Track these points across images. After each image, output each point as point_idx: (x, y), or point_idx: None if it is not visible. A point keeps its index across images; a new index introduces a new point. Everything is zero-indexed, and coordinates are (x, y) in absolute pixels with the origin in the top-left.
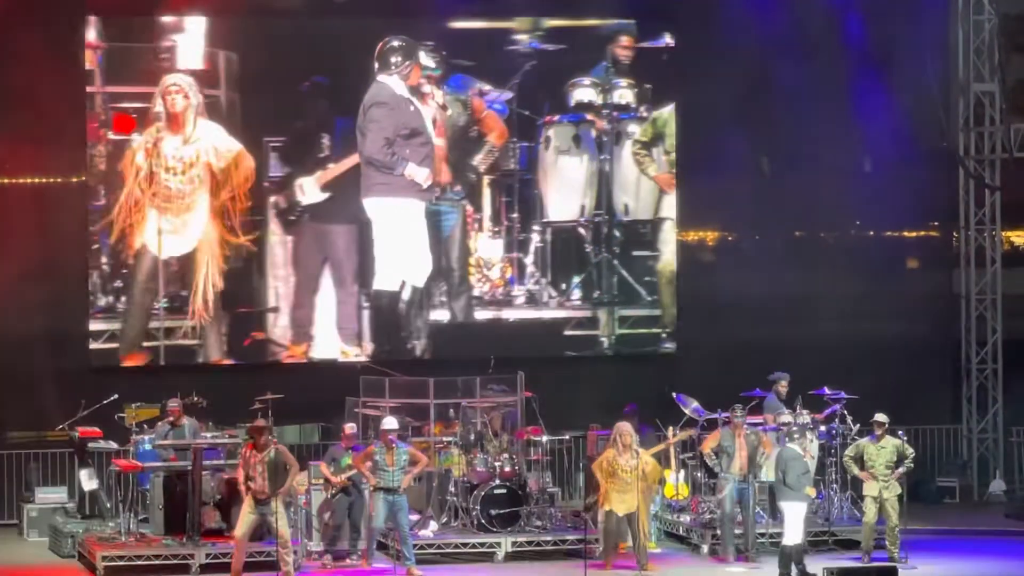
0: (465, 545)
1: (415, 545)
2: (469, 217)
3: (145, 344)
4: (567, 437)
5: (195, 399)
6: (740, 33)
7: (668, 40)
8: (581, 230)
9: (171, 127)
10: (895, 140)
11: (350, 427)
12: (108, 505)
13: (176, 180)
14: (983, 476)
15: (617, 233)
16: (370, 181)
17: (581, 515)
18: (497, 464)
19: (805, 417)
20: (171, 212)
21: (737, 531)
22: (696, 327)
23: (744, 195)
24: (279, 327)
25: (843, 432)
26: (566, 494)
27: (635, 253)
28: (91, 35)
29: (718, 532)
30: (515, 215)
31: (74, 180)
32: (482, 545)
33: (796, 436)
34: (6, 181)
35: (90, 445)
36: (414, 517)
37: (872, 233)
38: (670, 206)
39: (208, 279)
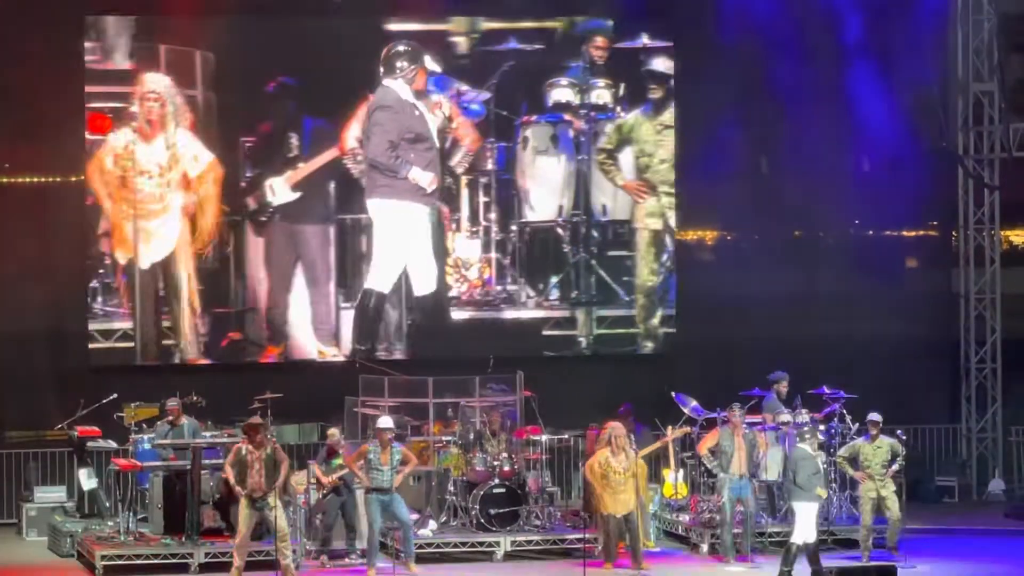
0: (464, 544)
1: (414, 545)
2: (446, 218)
3: (121, 345)
4: (566, 436)
5: (194, 398)
6: (739, 32)
7: (645, 40)
8: (559, 230)
9: (146, 133)
10: (894, 140)
11: (332, 434)
12: (107, 504)
13: (151, 184)
14: (982, 475)
15: (595, 233)
16: (374, 184)
17: (580, 514)
18: (496, 463)
19: (804, 416)
20: (145, 216)
21: (736, 531)
22: (695, 326)
23: (743, 195)
24: (255, 327)
25: (842, 431)
26: (565, 493)
27: (612, 253)
28: (90, 34)
29: (717, 532)
30: (493, 215)
31: (73, 179)
32: (481, 544)
33: (807, 436)
34: (5, 180)
35: (89, 444)
36: (413, 516)
37: (871, 232)
38: (644, 213)
39: (184, 280)
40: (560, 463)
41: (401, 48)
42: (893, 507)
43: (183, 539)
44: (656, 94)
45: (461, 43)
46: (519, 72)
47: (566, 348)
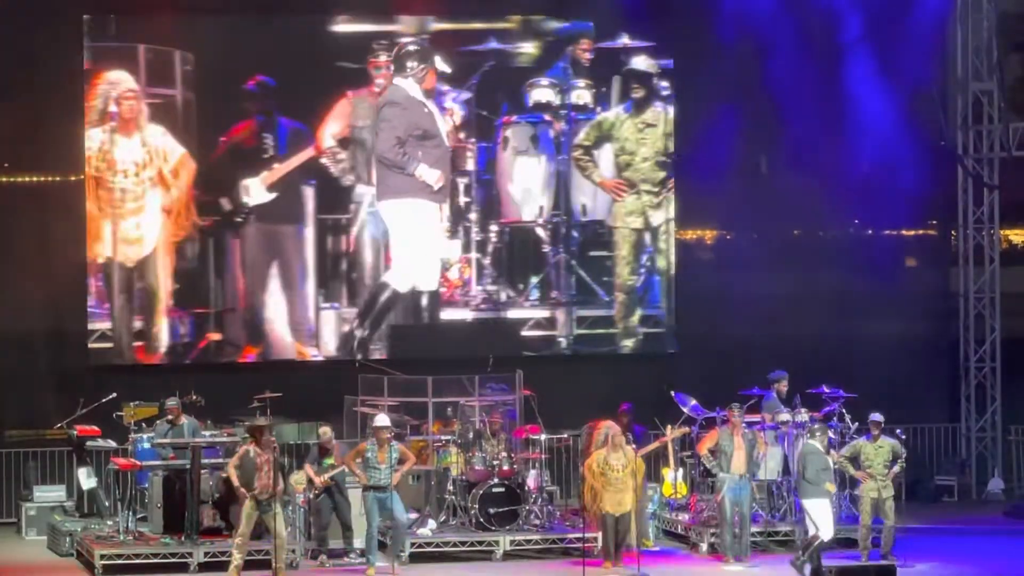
0: (463, 544)
1: (413, 544)
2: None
3: (100, 346)
4: (565, 436)
5: (193, 398)
6: (738, 31)
7: (626, 40)
8: (539, 230)
9: (123, 130)
10: (894, 139)
11: (324, 432)
12: (106, 504)
13: (127, 183)
14: (981, 475)
15: (575, 233)
16: (383, 181)
17: (580, 513)
18: (495, 463)
19: (804, 416)
20: (123, 216)
21: (736, 530)
22: (694, 326)
23: (742, 194)
24: (234, 328)
25: (841, 431)
26: (564, 492)
27: (592, 253)
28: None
29: (717, 531)
30: (473, 215)
31: (72, 178)
32: (480, 544)
33: (818, 433)
34: (4, 179)
35: (88, 444)
36: (413, 515)
37: (870, 231)
38: (624, 212)
39: (161, 281)
40: (559, 462)
41: (412, 48)
42: (889, 513)
43: (182, 538)
44: (638, 93)
45: (409, 43)
46: (500, 72)
47: (545, 348)
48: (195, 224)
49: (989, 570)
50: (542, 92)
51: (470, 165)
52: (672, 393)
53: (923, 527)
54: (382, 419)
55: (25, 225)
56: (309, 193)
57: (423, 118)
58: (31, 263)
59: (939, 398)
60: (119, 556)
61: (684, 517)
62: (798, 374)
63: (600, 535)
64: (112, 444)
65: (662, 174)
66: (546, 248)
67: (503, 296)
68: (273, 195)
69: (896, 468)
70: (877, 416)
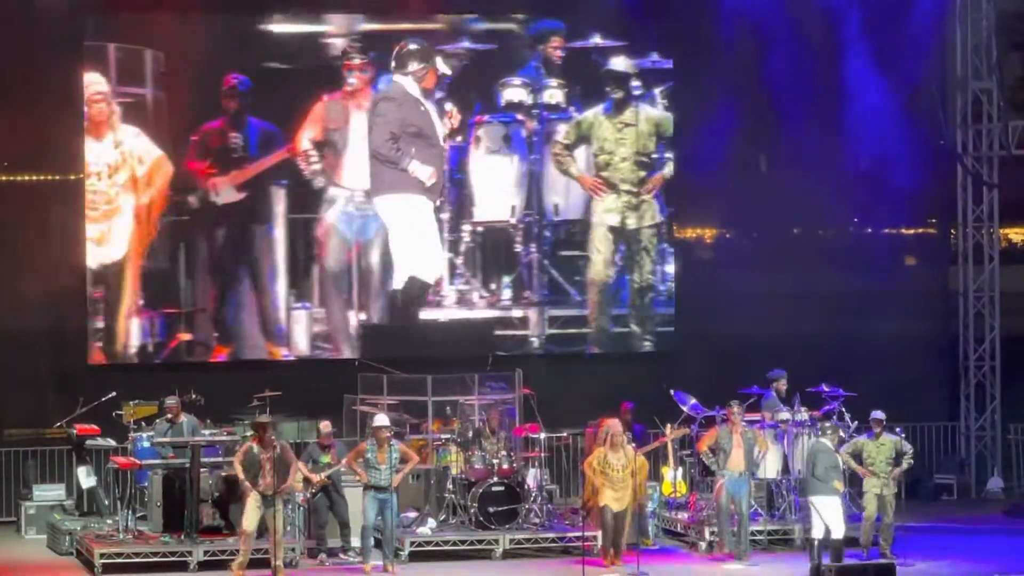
0: (463, 542)
1: (412, 543)
2: None
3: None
4: (565, 434)
5: (193, 396)
6: (737, 29)
7: (597, 40)
8: (511, 230)
9: (94, 133)
10: (893, 137)
11: (325, 426)
12: (106, 502)
13: (100, 185)
14: (981, 473)
15: (547, 233)
16: (377, 177)
17: (579, 512)
18: (495, 461)
19: (804, 415)
20: (97, 220)
21: (731, 529)
22: (694, 324)
23: (742, 192)
24: (204, 328)
25: (841, 430)
26: (564, 491)
27: (565, 253)
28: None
29: (715, 529)
30: (445, 215)
31: (72, 177)
32: (480, 542)
33: (828, 431)
34: (4, 178)
35: (88, 442)
36: (412, 514)
37: (870, 230)
38: (602, 209)
39: (133, 281)
40: (559, 461)
41: (413, 47)
42: (889, 511)
43: (182, 537)
44: (616, 94)
45: (336, 44)
46: (472, 71)
47: (517, 348)
48: (166, 223)
49: (988, 569)
50: (514, 92)
51: (442, 164)
52: (671, 392)
53: (922, 525)
54: (381, 419)
55: (24, 222)
56: (280, 194)
57: (418, 116)
58: (31, 262)
59: (938, 397)
60: (119, 555)
61: (684, 516)
62: (797, 373)
63: (600, 533)
64: (112, 443)
65: (641, 174)
66: (518, 248)
67: (475, 296)
68: (243, 195)
69: (904, 466)
70: (878, 414)
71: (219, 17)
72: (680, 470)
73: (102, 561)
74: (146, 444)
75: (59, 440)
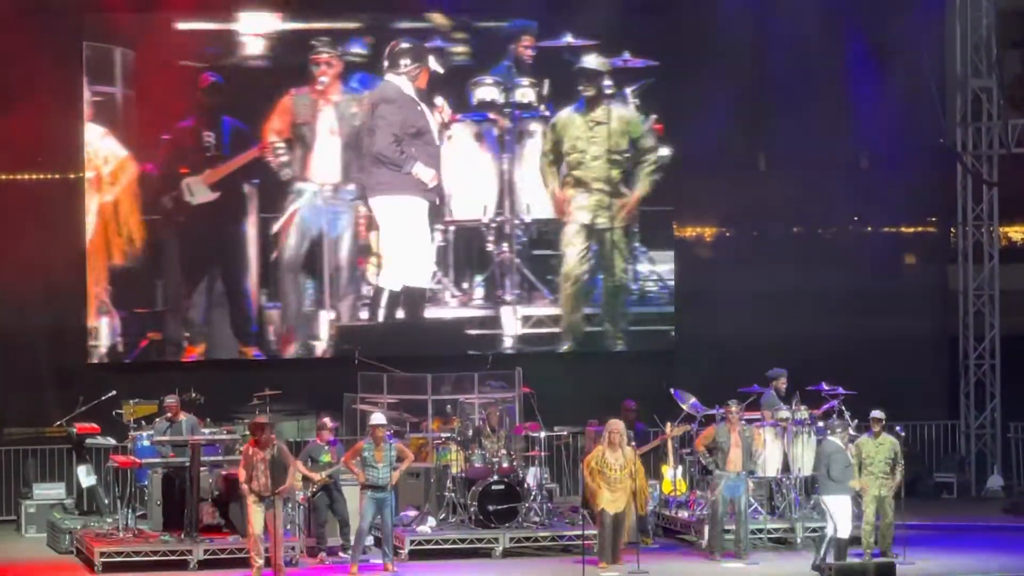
0: (463, 541)
1: (412, 541)
2: (364, 217)
3: None
4: (565, 433)
5: (193, 395)
6: (737, 29)
7: (569, 39)
8: (483, 229)
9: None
10: (892, 136)
11: (326, 422)
12: (106, 501)
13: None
14: (981, 472)
15: (519, 232)
16: (374, 179)
17: (579, 511)
18: (495, 460)
19: (803, 413)
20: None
21: (729, 528)
22: (694, 323)
23: (741, 191)
24: (175, 327)
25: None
26: (564, 490)
27: (537, 252)
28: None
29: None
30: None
31: (71, 176)
32: (480, 541)
33: (838, 430)
34: (3, 177)
35: (88, 441)
36: (412, 513)
37: (870, 229)
38: (574, 207)
39: (101, 281)
40: (559, 460)
41: (405, 45)
42: (888, 511)
43: (182, 536)
44: (588, 92)
45: (256, 43)
46: (444, 70)
47: (489, 347)
48: (136, 224)
49: (989, 567)
50: (486, 91)
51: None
52: (671, 390)
53: (923, 524)
54: (377, 417)
55: (24, 221)
56: (252, 192)
57: (416, 116)
58: (30, 261)
59: (938, 395)
60: (118, 553)
61: (683, 514)
62: (797, 371)
63: (598, 533)
64: (111, 441)
65: (614, 172)
66: (491, 247)
67: (447, 295)
68: (216, 194)
69: (898, 478)
70: (878, 413)
71: (188, 14)
72: (680, 468)
73: (102, 560)
74: (146, 443)
75: (59, 439)
